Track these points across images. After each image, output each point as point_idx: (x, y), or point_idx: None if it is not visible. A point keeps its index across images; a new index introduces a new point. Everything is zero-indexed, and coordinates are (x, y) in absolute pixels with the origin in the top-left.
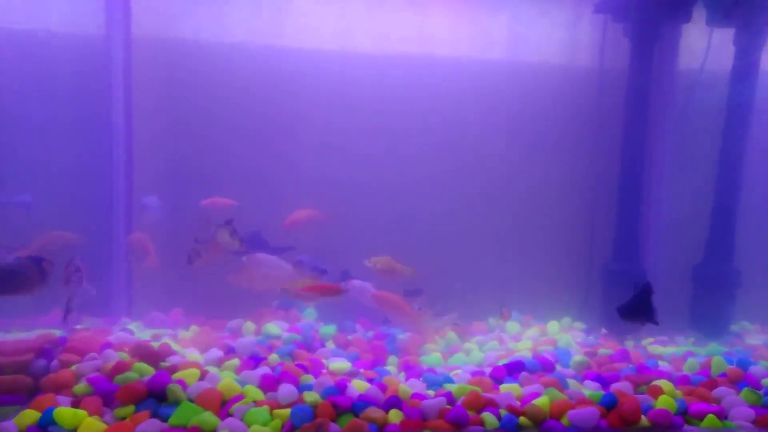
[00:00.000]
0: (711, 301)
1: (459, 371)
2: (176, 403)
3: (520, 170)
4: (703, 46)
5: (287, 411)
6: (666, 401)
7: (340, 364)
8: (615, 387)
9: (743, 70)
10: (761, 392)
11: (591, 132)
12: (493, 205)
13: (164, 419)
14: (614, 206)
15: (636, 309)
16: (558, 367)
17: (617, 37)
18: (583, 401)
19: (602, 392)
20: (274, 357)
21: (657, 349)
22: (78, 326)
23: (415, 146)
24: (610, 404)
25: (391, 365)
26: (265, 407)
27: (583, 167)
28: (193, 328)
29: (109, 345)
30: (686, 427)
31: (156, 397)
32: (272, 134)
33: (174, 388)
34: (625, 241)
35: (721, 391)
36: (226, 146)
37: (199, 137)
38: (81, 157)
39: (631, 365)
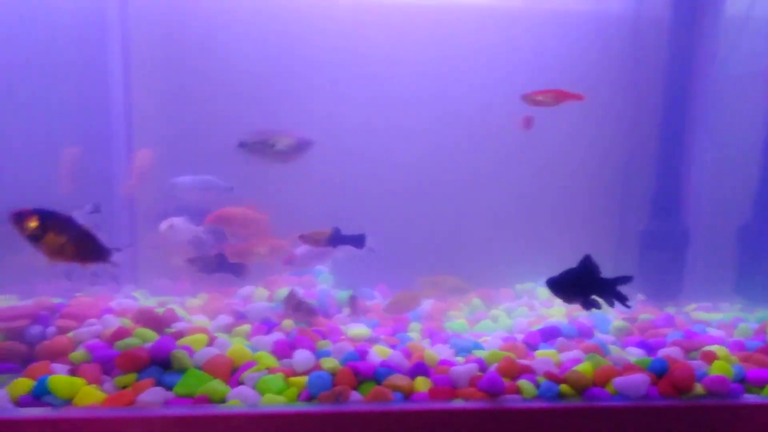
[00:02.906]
0: (758, 265)
1: (488, 338)
2: (182, 370)
3: (545, 126)
4: None
5: (303, 379)
6: (722, 367)
7: (359, 330)
8: (663, 353)
9: None
10: None
11: (624, 84)
12: (516, 163)
13: (169, 388)
14: (652, 161)
15: (569, 285)
16: (596, 333)
17: None
18: (629, 368)
19: (650, 358)
20: (288, 322)
21: (701, 315)
22: (77, 294)
23: (430, 103)
24: (660, 371)
25: (414, 332)
26: (280, 374)
27: (614, 121)
28: (202, 295)
29: (110, 311)
30: (746, 395)
31: (160, 365)
32: (275, 92)
33: (179, 355)
34: (665, 199)
35: None
36: (226, 105)
37: (200, 96)
38: (79, 118)
39: (677, 331)
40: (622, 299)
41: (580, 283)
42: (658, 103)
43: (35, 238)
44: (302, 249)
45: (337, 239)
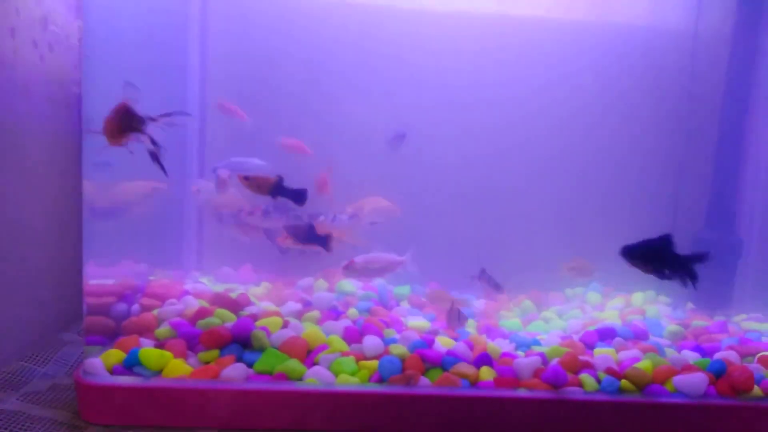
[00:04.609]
0: None
1: (544, 336)
2: (261, 349)
3: (598, 137)
4: None
5: (374, 363)
6: None
7: (419, 322)
8: (720, 356)
9: None
10: None
11: (681, 96)
12: (569, 172)
13: (249, 365)
14: (708, 172)
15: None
16: (651, 336)
17: None
18: (688, 368)
19: (709, 359)
20: (353, 311)
21: (752, 325)
22: (151, 277)
23: (488, 115)
24: (718, 371)
25: (471, 328)
26: (351, 357)
27: (671, 133)
28: (264, 284)
29: (187, 293)
30: None
31: (240, 343)
32: (357, 100)
33: (259, 335)
34: (720, 210)
35: None
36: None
37: (276, 101)
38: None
39: (731, 337)
40: (694, 278)
41: (656, 255)
42: (716, 115)
43: None
44: (362, 258)
45: (279, 190)
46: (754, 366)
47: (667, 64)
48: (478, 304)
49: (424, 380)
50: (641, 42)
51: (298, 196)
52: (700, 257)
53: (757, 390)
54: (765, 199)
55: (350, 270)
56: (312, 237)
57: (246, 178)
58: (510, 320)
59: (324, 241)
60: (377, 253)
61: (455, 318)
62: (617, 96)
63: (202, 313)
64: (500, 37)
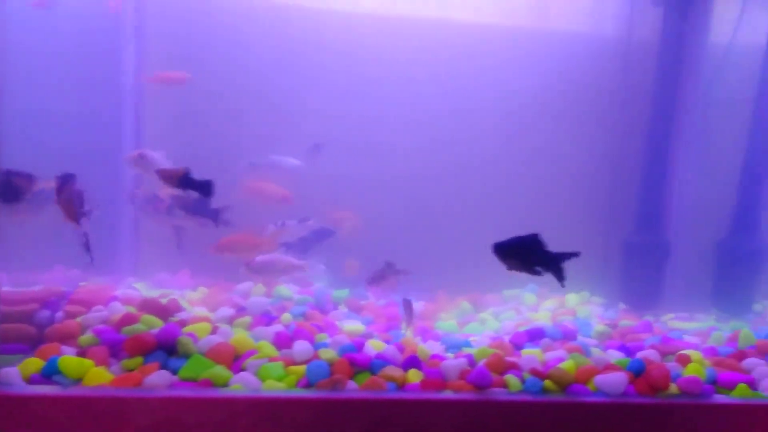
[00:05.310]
0: (734, 279)
1: (476, 338)
2: (186, 356)
3: (537, 142)
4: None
5: (302, 368)
6: (695, 369)
7: (354, 326)
8: (641, 355)
9: None
10: None
11: (613, 101)
12: (508, 176)
13: (174, 372)
14: (637, 178)
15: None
16: (579, 336)
17: (646, 5)
18: (609, 367)
19: (629, 359)
20: (286, 316)
21: (678, 324)
22: (82, 283)
23: (427, 117)
24: (638, 370)
25: (405, 329)
26: (280, 363)
27: (603, 139)
28: (201, 289)
29: (115, 299)
30: (717, 395)
31: (165, 350)
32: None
33: (184, 341)
34: (648, 213)
35: (751, 362)
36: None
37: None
38: (87, 108)
39: (655, 336)
40: (561, 276)
41: (525, 252)
42: (644, 122)
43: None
44: (262, 257)
45: (186, 182)
46: (672, 365)
47: (599, 71)
48: (417, 306)
49: (352, 384)
50: (576, 49)
51: (205, 188)
52: (568, 255)
53: (673, 388)
54: (690, 201)
55: (249, 268)
56: (201, 210)
57: (157, 171)
58: (446, 322)
59: (214, 214)
60: (278, 255)
61: (409, 311)
62: (551, 101)
63: (127, 320)
64: (440, 41)
